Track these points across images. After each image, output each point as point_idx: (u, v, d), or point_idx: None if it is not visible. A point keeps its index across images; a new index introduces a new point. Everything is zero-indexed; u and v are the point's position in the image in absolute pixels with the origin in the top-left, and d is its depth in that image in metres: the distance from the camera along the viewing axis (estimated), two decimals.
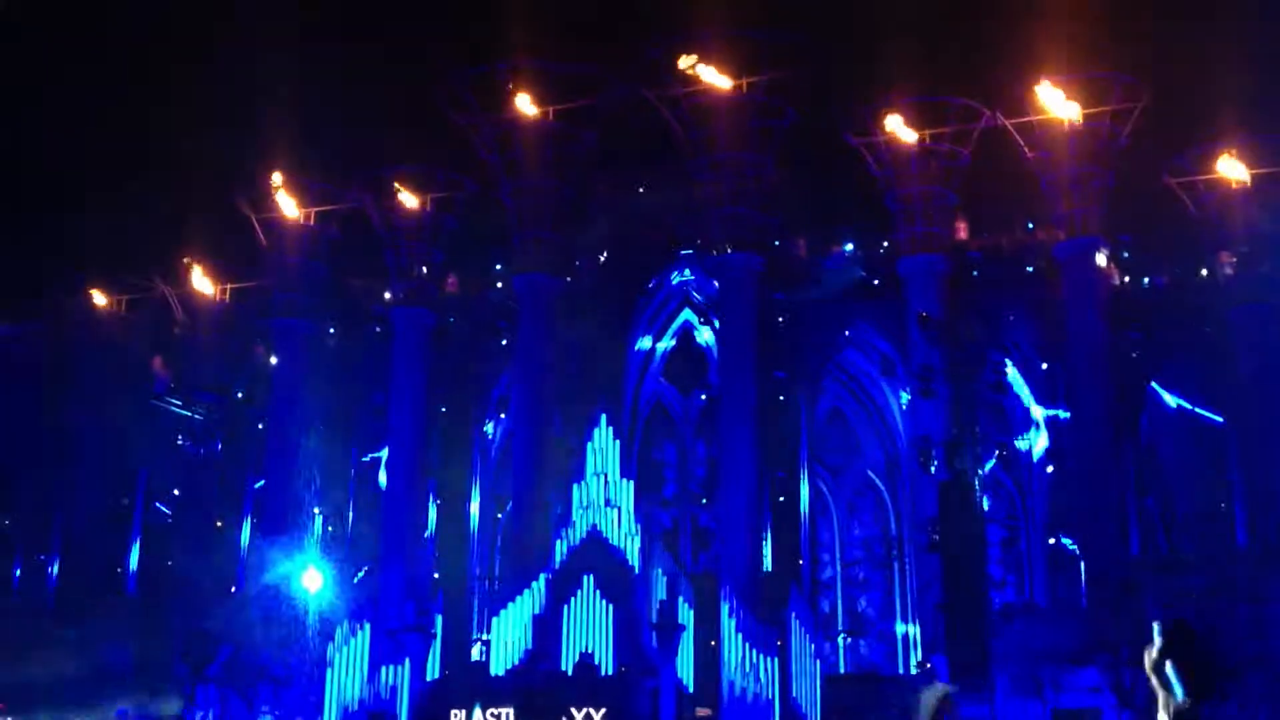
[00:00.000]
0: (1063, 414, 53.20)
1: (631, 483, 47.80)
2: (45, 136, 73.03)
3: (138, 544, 62.40)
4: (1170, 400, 54.27)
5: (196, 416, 62.74)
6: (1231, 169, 53.37)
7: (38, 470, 66.87)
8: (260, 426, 63.52)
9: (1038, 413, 54.88)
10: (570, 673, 43.33)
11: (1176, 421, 54.51)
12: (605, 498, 46.51)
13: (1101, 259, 52.42)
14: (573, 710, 40.77)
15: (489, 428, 61.34)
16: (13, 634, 56.97)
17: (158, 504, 63.18)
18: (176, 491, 62.59)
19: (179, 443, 63.35)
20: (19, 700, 48.51)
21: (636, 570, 45.17)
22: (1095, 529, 48.80)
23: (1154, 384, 54.46)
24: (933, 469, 45.13)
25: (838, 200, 57.78)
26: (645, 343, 59.53)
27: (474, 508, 59.48)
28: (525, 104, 55.95)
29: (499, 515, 59.27)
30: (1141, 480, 53.76)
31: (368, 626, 45.81)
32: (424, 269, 59.29)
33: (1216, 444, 54.60)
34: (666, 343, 59.78)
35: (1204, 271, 55.57)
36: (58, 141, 72.27)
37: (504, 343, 59.81)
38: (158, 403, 63.03)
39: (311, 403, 61.17)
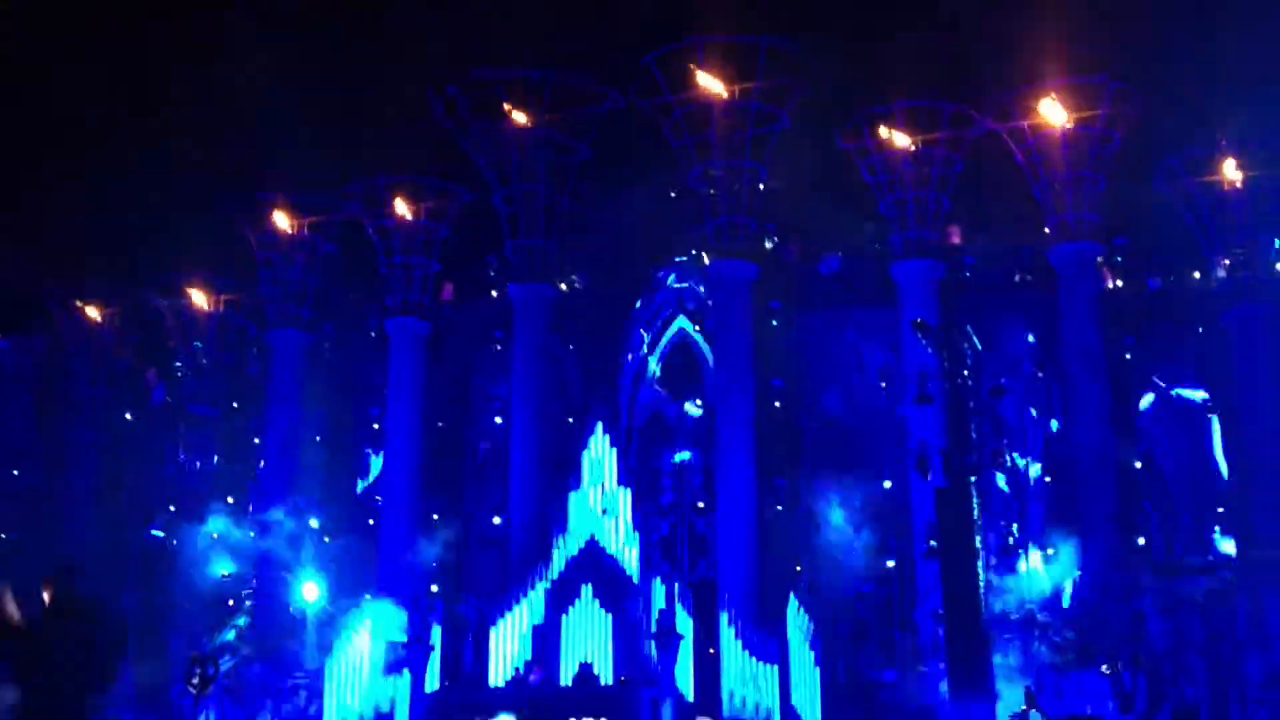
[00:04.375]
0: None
1: (629, 491, 47.80)
2: (36, 147, 73.02)
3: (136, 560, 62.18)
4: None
5: (191, 430, 62.68)
6: (1224, 171, 53.51)
7: (33, 484, 66.79)
8: (256, 441, 63.48)
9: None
10: (569, 683, 43.31)
11: (1173, 424, 54.60)
12: (602, 507, 46.51)
13: (1095, 264, 52.47)
14: None
15: (485, 437, 61.25)
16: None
17: (152, 520, 62.98)
18: (172, 508, 62.32)
19: (178, 457, 63.28)
20: None
21: (635, 579, 45.15)
22: (1092, 533, 48.82)
23: (1156, 379, 54.49)
24: (929, 475, 45.03)
25: (831, 207, 57.85)
26: (640, 351, 59.53)
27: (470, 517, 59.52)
28: (518, 112, 55.98)
29: (496, 522, 59.10)
30: (1139, 483, 53.84)
31: (366, 638, 45.80)
32: (419, 279, 59.26)
33: (1212, 445, 54.73)
34: (661, 351, 59.75)
35: (1197, 274, 55.70)
36: (49, 152, 72.24)
37: (499, 350, 59.77)
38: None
39: (307, 414, 61.17)
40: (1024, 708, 33.51)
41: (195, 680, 33.82)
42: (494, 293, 60.52)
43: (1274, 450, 51.69)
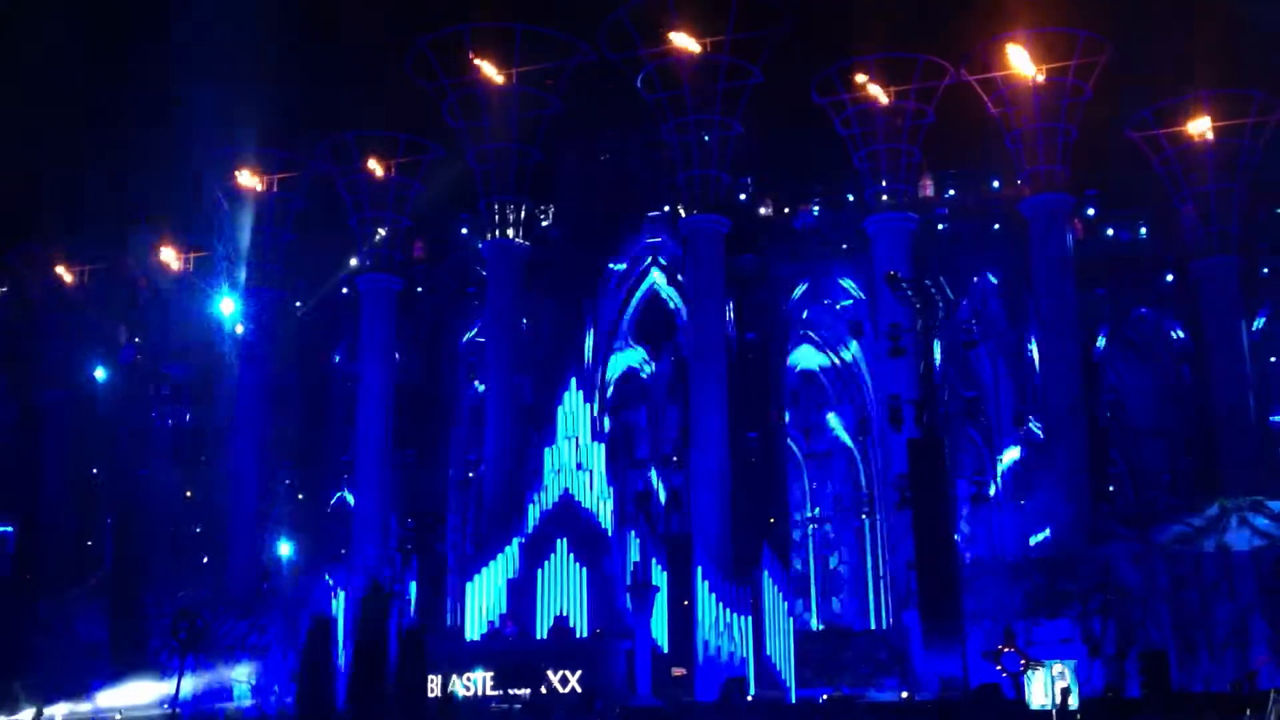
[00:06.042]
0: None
1: (603, 446, 47.94)
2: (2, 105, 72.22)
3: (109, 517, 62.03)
4: None
5: (164, 387, 62.35)
6: (1194, 123, 53.68)
7: (4, 443, 66.54)
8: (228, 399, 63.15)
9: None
10: (545, 636, 43.55)
11: (1144, 376, 55.01)
12: (577, 461, 46.65)
13: (1066, 215, 52.58)
14: (548, 673, 40.97)
15: (459, 392, 61.19)
16: None
17: (125, 477, 62.74)
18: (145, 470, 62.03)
19: (149, 413, 62.94)
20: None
21: (609, 533, 45.37)
22: (1064, 482, 49.19)
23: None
24: (902, 427, 45.20)
25: (805, 160, 57.76)
26: (614, 305, 59.41)
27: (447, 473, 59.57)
28: (489, 65, 55.58)
29: (470, 476, 59.18)
30: (1109, 432, 54.24)
31: (343, 594, 45.89)
32: (391, 235, 58.97)
33: (1182, 398, 55.19)
34: (634, 305, 59.67)
35: (1166, 224, 55.95)
36: (15, 110, 71.46)
37: (473, 306, 59.61)
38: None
39: (280, 371, 60.94)
40: (1001, 647, 33.80)
41: (183, 635, 33.63)
42: (467, 249, 60.28)
43: (1242, 399, 52.21)
